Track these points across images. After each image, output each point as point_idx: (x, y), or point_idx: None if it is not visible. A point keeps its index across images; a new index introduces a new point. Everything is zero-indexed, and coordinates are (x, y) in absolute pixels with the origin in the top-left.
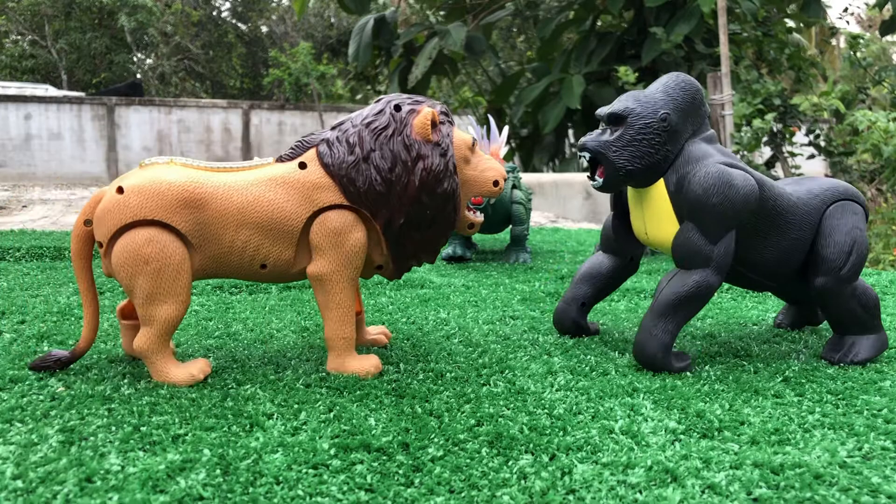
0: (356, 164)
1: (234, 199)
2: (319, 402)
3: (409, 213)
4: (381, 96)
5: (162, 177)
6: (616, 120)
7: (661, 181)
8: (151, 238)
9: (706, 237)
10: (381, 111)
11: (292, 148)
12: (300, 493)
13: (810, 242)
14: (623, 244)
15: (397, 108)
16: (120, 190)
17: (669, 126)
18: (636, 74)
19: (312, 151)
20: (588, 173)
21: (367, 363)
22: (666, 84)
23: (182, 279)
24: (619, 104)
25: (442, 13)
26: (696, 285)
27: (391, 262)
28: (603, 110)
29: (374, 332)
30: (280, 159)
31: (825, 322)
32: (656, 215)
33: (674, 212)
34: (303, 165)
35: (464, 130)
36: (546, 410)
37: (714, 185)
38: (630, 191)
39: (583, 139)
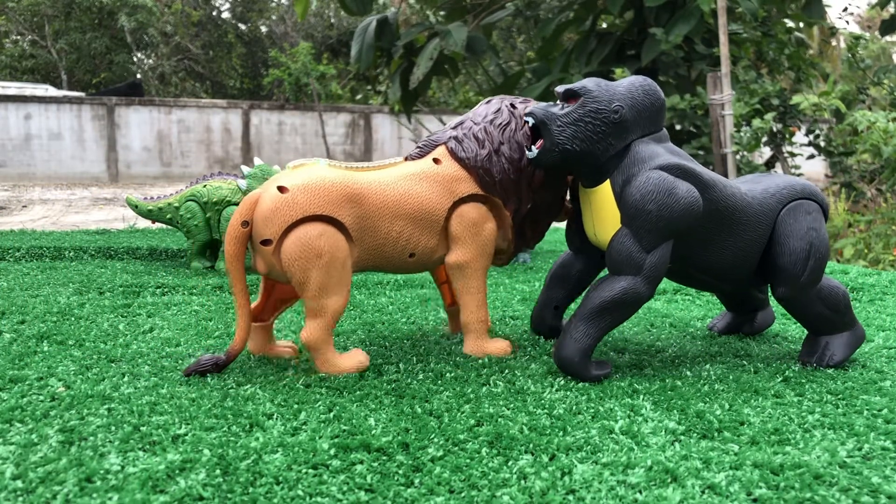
0: (489, 156)
1: (388, 193)
2: (319, 402)
3: (535, 199)
4: (490, 98)
5: (322, 175)
6: (570, 96)
7: (608, 182)
8: (323, 232)
9: (640, 244)
10: (498, 109)
11: (419, 147)
12: (300, 493)
13: (765, 243)
14: (587, 243)
15: (513, 105)
16: (282, 189)
17: (619, 119)
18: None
19: (442, 149)
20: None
21: (503, 344)
22: (631, 83)
23: (347, 271)
24: (579, 83)
25: (442, 13)
26: (623, 292)
27: (511, 247)
28: (561, 86)
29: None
30: (409, 158)
31: (772, 327)
32: (603, 217)
33: (619, 214)
34: (436, 161)
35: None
36: (546, 410)
37: (652, 191)
38: (580, 191)
39: (532, 106)
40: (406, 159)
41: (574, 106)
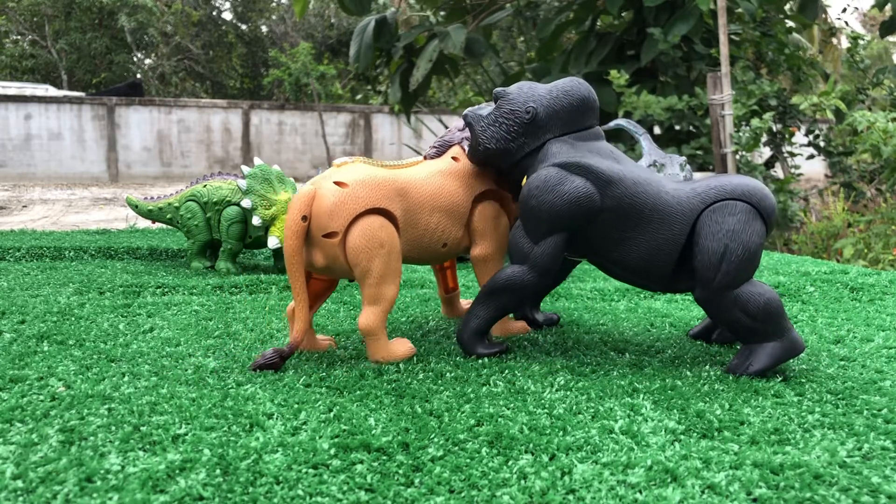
0: None
1: (425, 188)
2: (319, 402)
3: None
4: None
5: (373, 171)
6: (496, 99)
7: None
8: (383, 223)
9: (528, 236)
10: None
11: (435, 147)
12: (300, 493)
13: (684, 242)
14: None
15: None
16: (341, 184)
17: (532, 119)
18: (627, 78)
19: (457, 148)
20: None
21: (521, 324)
22: (555, 84)
23: (400, 261)
24: (506, 88)
25: (442, 14)
26: (507, 279)
27: None
28: (497, 90)
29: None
30: (427, 157)
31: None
32: None
33: None
34: (455, 159)
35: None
36: (546, 410)
37: (538, 187)
38: None
39: (468, 108)
40: (425, 158)
41: (495, 108)
